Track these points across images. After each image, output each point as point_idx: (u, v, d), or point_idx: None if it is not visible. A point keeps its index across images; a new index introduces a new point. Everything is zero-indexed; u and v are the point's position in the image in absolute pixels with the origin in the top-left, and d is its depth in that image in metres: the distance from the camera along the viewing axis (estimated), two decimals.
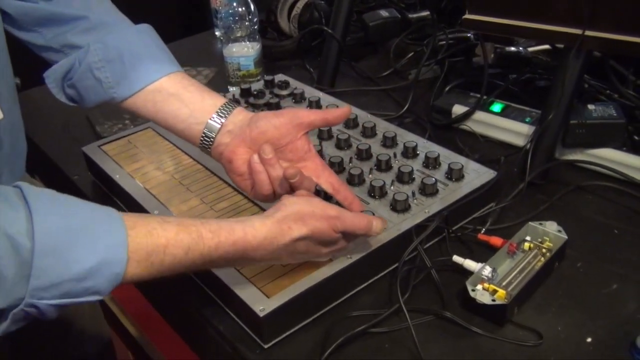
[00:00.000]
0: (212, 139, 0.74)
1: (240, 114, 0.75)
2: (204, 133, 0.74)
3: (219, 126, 0.73)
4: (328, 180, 0.73)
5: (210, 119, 0.73)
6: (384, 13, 1.31)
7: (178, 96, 0.75)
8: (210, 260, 0.60)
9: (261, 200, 0.73)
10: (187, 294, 0.73)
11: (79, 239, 0.52)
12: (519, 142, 0.96)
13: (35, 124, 1.15)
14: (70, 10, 0.77)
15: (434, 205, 0.77)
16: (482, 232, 0.78)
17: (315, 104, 1.01)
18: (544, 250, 0.73)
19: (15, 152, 0.75)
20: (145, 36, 0.79)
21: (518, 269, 0.71)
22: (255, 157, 0.70)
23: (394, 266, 0.73)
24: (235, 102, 0.80)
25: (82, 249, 0.51)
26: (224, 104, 0.75)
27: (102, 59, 0.75)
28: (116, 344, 1.27)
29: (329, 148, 0.90)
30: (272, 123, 0.72)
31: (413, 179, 0.81)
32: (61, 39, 0.77)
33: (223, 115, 0.74)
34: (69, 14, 0.77)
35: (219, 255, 0.60)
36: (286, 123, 0.72)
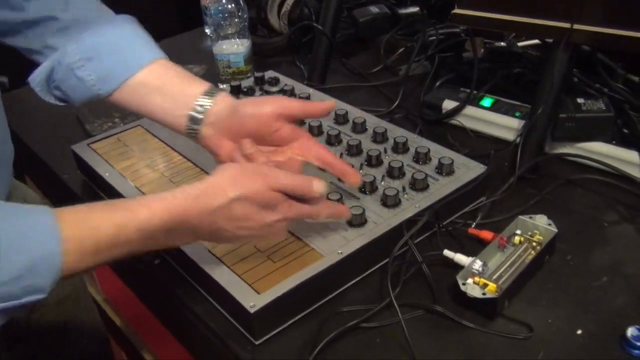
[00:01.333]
0: (197, 131, 0.74)
1: (222, 103, 0.73)
2: (187, 125, 0.74)
3: (201, 117, 0.73)
4: (316, 155, 0.73)
5: (192, 111, 0.73)
6: (373, 9, 1.31)
7: (161, 89, 0.75)
8: (150, 234, 0.58)
9: None
10: (178, 291, 0.73)
11: (7, 242, 0.51)
12: (509, 136, 0.96)
13: (24, 123, 1.15)
14: (36, 13, 0.75)
15: (424, 200, 0.77)
16: (473, 226, 0.79)
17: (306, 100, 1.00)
18: (534, 243, 0.74)
19: (1, 158, 0.75)
20: (121, 29, 0.77)
21: (508, 263, 0.71)
22: (238, 153, 0.70)
23: (384, 261, 0.73)
24: (216, 87, 0.79)
25: (12, 250, 0.51)
26: (204, 93, 0.74)
27: (80, 58, 0.74)
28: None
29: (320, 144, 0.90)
30: (250, 114, 0.72)
31: (403, 174, 0.81)
32: (40, 41, 0.76)
33: (203, 108, 0.73)
34: (33, 18, 0.75)
35: (157, 227, 0.58)
36: (264, 114, 0.72)
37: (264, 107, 0.72)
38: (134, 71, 0.75)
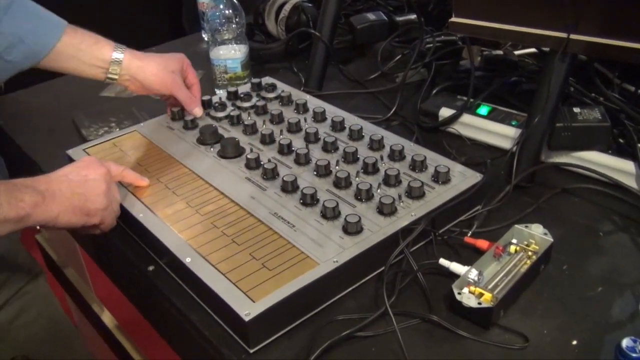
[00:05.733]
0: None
1: (130, 62, 0.93)
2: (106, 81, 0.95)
3: (116, 77, 0.94)
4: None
5: (107, 74, 0.93)
6: (371, 16, 1.31)
7: (75, 56, 0.91)
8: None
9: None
10: (173, 298, 0.73)
11: None
12: (506, 145, 0.96)
13: (20, 127, 1.14)
14: None
15: (420, 208, 0.77)
16: (469, 235, 0.79)
17: (302, 107, 1.00)
18: (529, 253, 0.74)
19: None
20: (28, 5, 0.90)
21: (504, 272, 0.71)
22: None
23: (380, 270, 0.73)
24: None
25: None
26: (113, 58, 0.92)
27: (6, 47, 0.87)
28: (101, 348, 1.26)
29: (316, 151, 0.90)
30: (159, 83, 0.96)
31: (400, 182, 0.81)
32: None
33: (114, 74, 0.93)
34: None
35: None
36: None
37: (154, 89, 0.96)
38: (51, 47, 0.89)
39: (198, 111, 0.98)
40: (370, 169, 0.84)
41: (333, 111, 1.00)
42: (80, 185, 0.73)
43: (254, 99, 1.04)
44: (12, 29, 0.87)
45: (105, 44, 0.93)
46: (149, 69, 0.94)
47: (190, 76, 1.01)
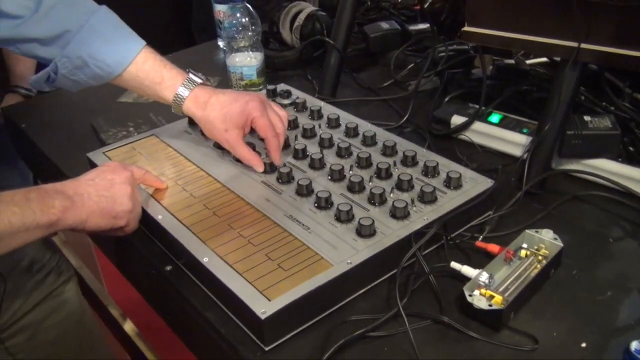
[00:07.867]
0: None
1: (189, 109, 0.89)
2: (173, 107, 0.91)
3: (182, 104, 0.90)
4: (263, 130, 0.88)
5: (173, 102, 0.90)
6: (384, 25, 1.33)
7: (142, 85, 0.90)
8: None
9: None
10: (189, 297, 0.74)
11: None
12: (517, 152, 0.98)
13: (41, 130, 1.17)
14: (21, 35, 0.85)
15: (432, 213, 0.78)
16: (480, 239, 0.80)
17: (317, 114, 1.02)
18: (540, 257, 0.75)
19: None
20: (99, 29, 0.87)
21: (515, 276, 0.72)
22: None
23: (392, 272, 0.75)
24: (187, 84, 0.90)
25: None
26: (175, 99, 0.89)
27: (71, 69, 0.88)
28: (114, 346, 1.28)
29: (330, 156, 0.91)
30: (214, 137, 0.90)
31: (412, 187, 0.83)
32: (30, 52, 0.88)
33: (179, 104, 0.90)
34: (22, 37, 0.85)
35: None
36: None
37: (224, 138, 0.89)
38: (118, 73, 0.88)
39: (258, 167, 0.88)
40: (383, 174, 0.85)
41: (347, 117, 1.01)
42: (107, 189, 0.75)
43: None
44: (79, 52, 0.86)
45: (170, 83, 0.89)
46: (205, 125, 0.89)
47: (260, 130, 0.88)
